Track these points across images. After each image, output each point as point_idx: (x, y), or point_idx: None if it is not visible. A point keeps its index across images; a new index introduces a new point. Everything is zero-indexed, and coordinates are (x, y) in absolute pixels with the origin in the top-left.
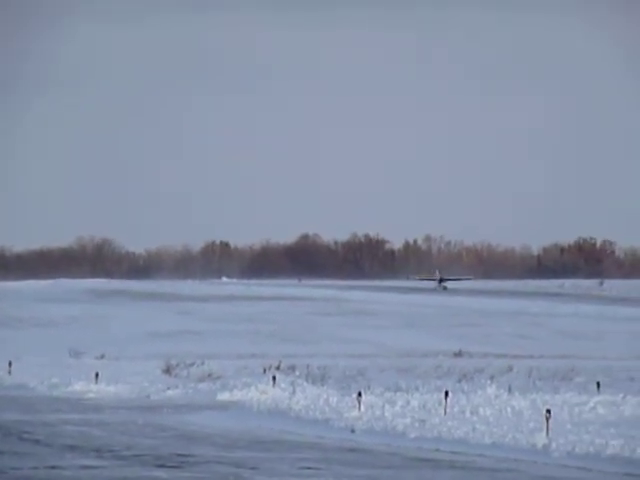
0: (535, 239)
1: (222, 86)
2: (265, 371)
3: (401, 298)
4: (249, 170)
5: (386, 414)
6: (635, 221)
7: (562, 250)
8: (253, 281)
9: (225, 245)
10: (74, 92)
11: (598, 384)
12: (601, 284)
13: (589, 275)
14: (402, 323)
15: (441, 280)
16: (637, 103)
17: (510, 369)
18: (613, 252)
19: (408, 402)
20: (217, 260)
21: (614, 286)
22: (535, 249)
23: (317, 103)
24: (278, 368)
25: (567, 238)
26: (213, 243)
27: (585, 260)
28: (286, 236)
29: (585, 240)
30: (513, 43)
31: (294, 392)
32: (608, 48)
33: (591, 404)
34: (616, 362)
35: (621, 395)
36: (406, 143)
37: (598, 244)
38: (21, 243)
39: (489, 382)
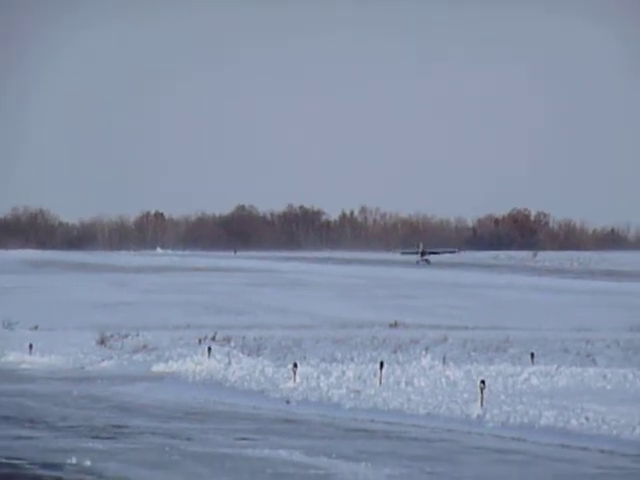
0: (470, 210)
1: (159, 55)
2: (200, 342)
3: (337, 269)
4: (185, 140)
5: (321, 385)
6: (569, 193)
7: (497, 221)
8: (188, 252)
9: (160, 216)
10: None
11: (532, 355)
12: (535, 255)
13: (523, 246)
14: (338, 294)
15: (423, 253)
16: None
17: (445, 340)
18: (547, 224)
19: (343, 373)
20: (152, 231)
21: (548, 257)
22: (470, 220)
23: (253, 71)
24: (213, 339)
25: (502, 210)
26: (148, 214)
27: (519, 232)
28: (222, 207)
29: (519, 211)
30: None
31: (229, 363)
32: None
33: (525, 375)
34: (550, 333)
35: (555, 366)
36: (343, 114)
37: (532, 216)
38: None
39: (424, 353)
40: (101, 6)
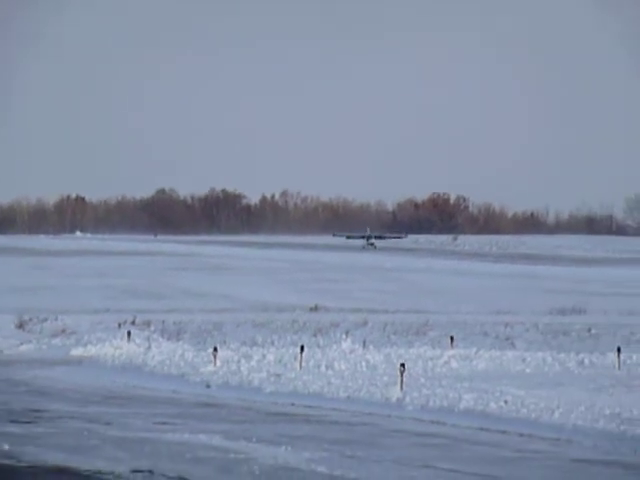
0: (390, 194)
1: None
2: (120, 326)
3: (258, 253)
4: (106, 123)
5: (242, 369)
6: (488, 177)
7: (416, 205)
8: (108, 236)
9: (80, 199)
10: None
11: (452, 338)
12: (455, 239)
13: (443, 230)
14: (259, 278)
15: (369, 237)
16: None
17: (365, 324)
18: (467, 208)
19: (264, 356)
20: (71, 214)
21: (468, 241)
22: (390, 204)
23: (187, 57)
24: (133, 323)
25: (422, 194)
26: (68, 197)
27: (439, 216)
28: (142, 191)
29: (439, 195)
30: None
31: (149, 347)
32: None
33: (445, 358)
34: (470, 316)
35: (474, 349)
36: (264, 97)
37: (452, 200)
38: None
39: (344, 337)
40: None
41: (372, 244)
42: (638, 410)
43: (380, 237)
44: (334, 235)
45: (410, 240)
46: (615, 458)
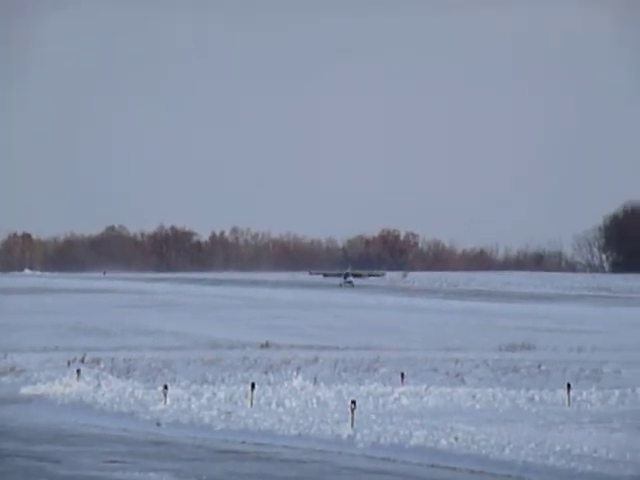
0: (340, 231)
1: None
2: (69, 364)
3: (208, 290)
4: (52, 159)
5: (192, 406)
6: (437, 213)
7: (367, 242)
8: (57, 274)
9: (27, 237)
10: None
11: (402, 375)
12: (405, 276)
13: (393, 267)
14: (209, 315)
15: (346, 275)
16: None
17: (316, 360)
18: (416, 244)
19: (214, 394)
20: (19, 252)
21: (417, 278)
22: (340, 241)
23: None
24: (82, 361)
25: (372, 230)
26: (15, 234)
27: (389, 252)
28: (91, 228)
29: (389, 232)
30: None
31: (99, 385)
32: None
33: (395, 395)
34: (419, 353)
35: (425, 386)
36: (210, 135)
37: (402, 236)
38: None
39: (295, 373)
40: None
41: (350, 282)
42: (588, 447)
43: (358, 275)
44: (310, 273)
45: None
46: None
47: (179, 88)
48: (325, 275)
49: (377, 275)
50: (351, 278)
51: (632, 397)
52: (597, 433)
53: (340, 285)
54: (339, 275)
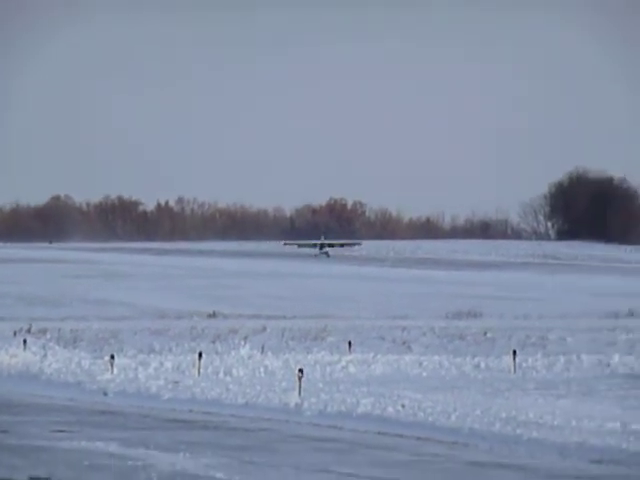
0: (287, 200)
1: None
2: (15, 334)
3: (156, 260)
4: None
5: (139, 376)
6: (384, 182)
7: (314, 211)
8: (2, 244)
9: None
10: None
11: (349, 343)
12: (352, 245)
13: (341, 236)
14: (157, 285)
15: (322, 246)
16: None
17: (264, 329)
18: (364, 213)
19: (162, 364)
20: None
21: (365, 247)
22: (288, 210)
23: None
24: (29, 331)
25: (319, 199)
26: None
27: (337, 221)
28: (36, 197)
29: (336, 201)
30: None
31: (45, 355)
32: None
33: (343, 363)
34: (367, 321)
35: (372, 354)
36: (155, 104)
37: (349, 205)
38: None
39: (242, 343)
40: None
41: (326, 252)
42: (534, 413)
43: (331, 245)
44: (285, 244)
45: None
46: (511, 461)
47: (132, 55)
48: (300, 246)
49: (352, 245)
50: (327, 249)
51: (577, 364)
52: (543, 400)
53: (315, 256)
54: (314, 246)
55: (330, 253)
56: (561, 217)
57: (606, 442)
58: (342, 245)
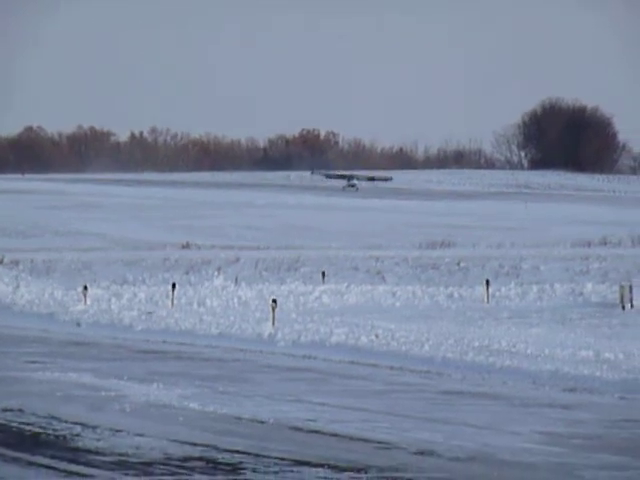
0: (260, 131)
1: None
2: None
3: (129, 191)
4: None
5: (112, 307)
6: (357, 112)
7: (287, 142)
8: None
9: None
10: None
11: (323, 274)
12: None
13: (314, 166)
14: (129, 215)
15: (350, 178)
16: None
17: (237, 260)
18: (337, 143)
19: (135, 295)
20: None
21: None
22: (261, 141)
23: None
24: (1, 263)
25: (292, 130)
26: None
27: (310, 151)
28: (8, 128)
29: (309, 131)
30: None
31: (18, 286)
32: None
33: (316, 293)
34: (340, 252)
35: (345, 284)
36: (130, 33)
37: (322, 136)
38: None
39: (216, 274)
40: None
41: (353, 185)
42: (507, 342)
43: (359, 178)
44: (312, 173)
45: (281, 176)
46: (484, 390)
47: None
48: (327, 176)
49: (384, 180)
50: (355, 181)
51: (550, 292)
52: (516, 328)
53: (343, 188)
54: (342, 177)
55: (358, 186)
56: (534, 146)
57: (579, 370)
58: (372, 179)
